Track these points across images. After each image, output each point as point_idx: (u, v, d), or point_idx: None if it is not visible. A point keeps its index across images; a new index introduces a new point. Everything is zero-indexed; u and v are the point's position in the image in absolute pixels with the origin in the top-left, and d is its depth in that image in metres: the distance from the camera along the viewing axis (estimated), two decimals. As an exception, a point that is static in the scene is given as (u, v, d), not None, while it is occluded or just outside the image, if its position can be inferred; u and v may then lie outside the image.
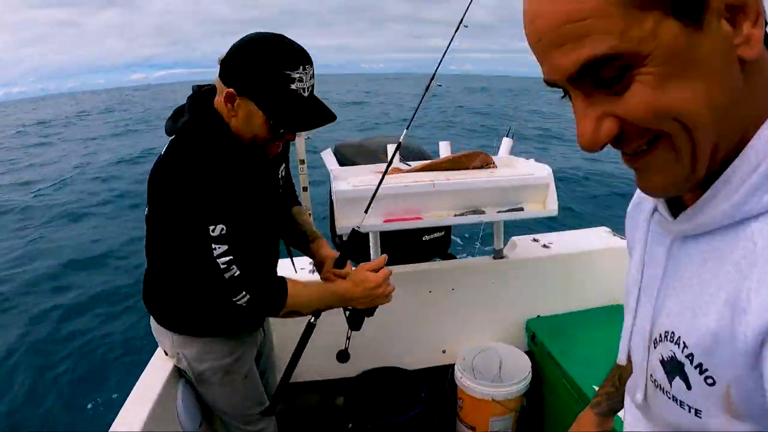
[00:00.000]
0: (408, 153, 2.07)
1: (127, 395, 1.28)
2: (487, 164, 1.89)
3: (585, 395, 1.59)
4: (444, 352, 2.10)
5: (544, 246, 2.15)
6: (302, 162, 2.21)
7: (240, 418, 1.40)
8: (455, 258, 2.29)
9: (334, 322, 1.36)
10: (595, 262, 2.12)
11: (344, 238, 1.60)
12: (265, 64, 1.05)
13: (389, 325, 1.91)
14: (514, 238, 2.22)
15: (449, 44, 1.52)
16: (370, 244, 1.89)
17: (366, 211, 1.44)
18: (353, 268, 1.33)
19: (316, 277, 1.44)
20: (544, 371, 1.93)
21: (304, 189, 2.21)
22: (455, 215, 1.75)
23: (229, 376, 1.33)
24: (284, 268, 1.50)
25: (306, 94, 1.10)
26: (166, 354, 1.36)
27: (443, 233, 2.22)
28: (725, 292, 0.43)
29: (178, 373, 1.37)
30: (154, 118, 23.55)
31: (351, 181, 1.70)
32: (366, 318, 1.36)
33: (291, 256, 1.56)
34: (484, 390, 1.84)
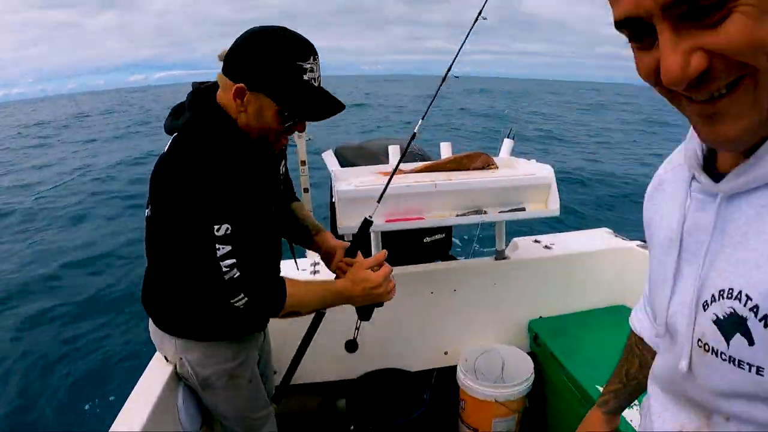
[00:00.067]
0: (409, 154, 2.06)
1: (125, 401, 1.24)
2: (488, 165, 1.89)
3: (588, 396, 1.58)
4: (446, 353, 2.09)
5: (546, 247, 2.15)
6: (303, 163, 2.21)
7: (242, 423, 1.38)
8: (456, 260, 2.28)
9: (335, 320, 1.35)
10: (596, 262, 2.12)
11: (345, 239, 1.59)
12: (277, 56, 1.04)
13: (391, 326, 1.90)
14: (515, 239, 2.22)
15: (467, 34, 1.50)
16: (372, 245, 1.88)
17: (378, 201, 1.42)
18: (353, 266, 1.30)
19: (317, 278, 1.43)
20: (547, 372, 1.93)
21: (305, 190, 2.21)
22: (457, 215, 1.75)
23: (233, 380, 1.30)
24: (285, 268, 1.49)
25: (316, 84, 1.10)
26: (167, 360, 1.32)
27: (444, 235, 2.22)
28: None
29: (177, 377, 1.33)
30: (154, 120, 23.55)
31: (352, 182, 1.70)
32: (376, 308, 1.34)
33: (293, 253, 1.54)
34: (487, 391, 1.83)
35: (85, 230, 7.34)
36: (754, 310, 0.47)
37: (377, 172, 1.87)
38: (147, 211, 1.17)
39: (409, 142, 1.53)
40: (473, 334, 2.08)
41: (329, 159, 2.07)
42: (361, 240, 1.38)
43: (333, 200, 1.77)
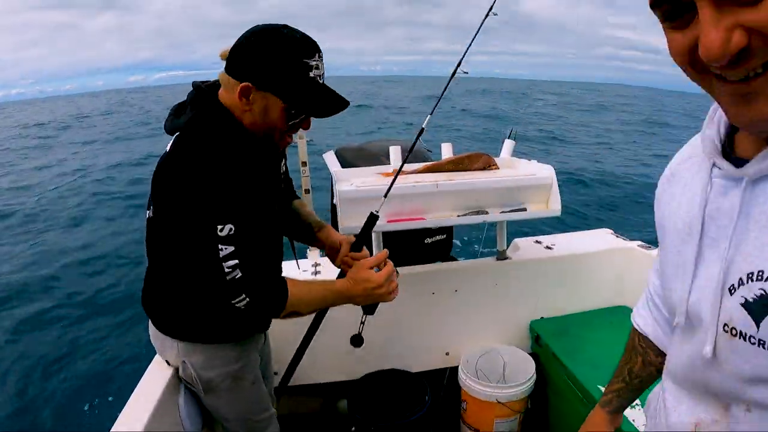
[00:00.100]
0: (412, 154, 2.06)
1: (124, 403, 1.23)
2: (489, 166, 1.88)
3: (591, 396, 1.58)
4: (447, 354, 2.09)
5: (547, 247, 2.15)
6: (304, 164, 2.21)
7: (244, 426, 1.36)
8: (457, 261, 2.28)
9: (336, 321, 1.34)
10: (598, 263, 2.12)
11: None
12: (284, 55, 1.04)
13: (392, 327, 1.90)
14: (516, 239, 2.22)
15: (479, 29, 1.49)
16: (373, 246, 1.88)
17: (385, 196, 1.42)
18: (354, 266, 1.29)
19: (318, 278, 1.43)
20: (549, 373, 1.93)
21: (306, 191, 2.21)
22: (458, 216, 1.74)
23: (237, 382, 1.29)
24: (286, 268, 1.48)
25: (321, 81, 1.10)
26: (168, 363, 1.31)
27: (445, 236, 2.22)
28: None
29: (177, 380, 1.32)
30: (154, 121, 23.54)
31: (353, 182, 1.70)
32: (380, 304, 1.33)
33: (294, 252, 1.53)
34: (489, 392, 1.83)
35: (86, 231, 7.34)
36: None
37: (378, 173, 1.87)
38: (148, 212, 1.16)
39: (418, 137, 1.52)
40: (474, 334, 2.08)
41: (330, 160, 2.07)
42: (366, 235, 1.37)
43: (334, 201, 1.77)
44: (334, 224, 1.71)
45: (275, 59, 1.04)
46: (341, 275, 1.35)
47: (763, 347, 0.50)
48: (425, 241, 2.15)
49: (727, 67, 0.42)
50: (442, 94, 1.52)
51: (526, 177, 1.79)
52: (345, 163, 2.07)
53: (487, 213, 1.75)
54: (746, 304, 0.51)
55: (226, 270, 1.02)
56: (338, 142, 2.62)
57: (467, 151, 1.92)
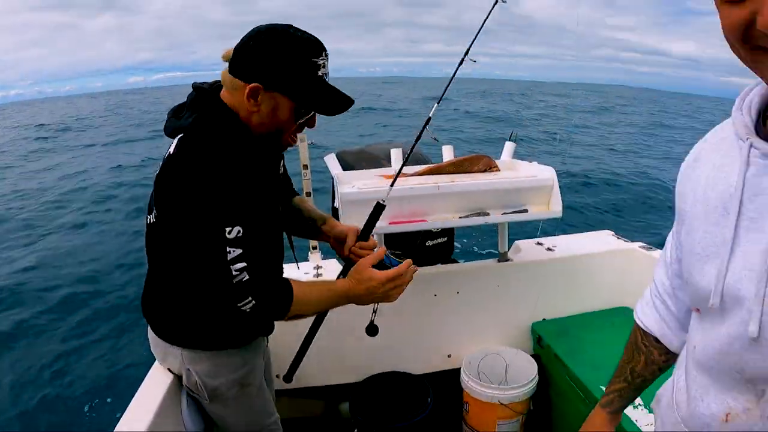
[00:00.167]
0: (410, 157, 2.06)
1: (125, 408, 1.21)
2: (490, 168, 1.89)
3: (593, 397, 1.58)
4: (449, 356, 2.09)
5: (548, 249, 2.15)
6: (305, 167, 2.20)
7: None
8: (458, 263, 2.28)
9: (336, 323, 1.34)
10: (599, 264, 2.12)
11: None
12: (293, 55, 1.03)
13: (394, 329, 1.90)
14: (518, 241, 2.22)
15: (486, 17, 1.49)
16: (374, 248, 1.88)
17: (392, 185, 1.41)
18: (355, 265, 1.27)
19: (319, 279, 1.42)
20: (551, 374, 1.93)
21: (308, 194, 2.21)
22: (460, 217, 1.75)
23: (243, 389, 1.26)
24: (287, 269, 1.47)
25: (327, 79, 1.10)
26: (171, 372, 1.28)
27: (446, 238, 2.22)
28: None
29: (178, 385, 1.29)
30: (154, 122, 23.50)
31: (355, 185, 1.70)
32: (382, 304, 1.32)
33: (293, 249, 1.52)
34: (491, 393, 1.83)
35: (86, 235, 7.33)
36: None
37: (379, 175, 1.88)
38: (149, 216, 1.14)
39: (424, 126, 1.51)
40: (476, 336, 2.08)
41: (331, 162, 2.07)
42: (373, 224, 1.36)
43: (335, 204, 1.77)
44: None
45: (285, 59, 1.03)
46: (343, 272, 1.33)
47: None
48: (427, 244, 2.15)
49: None
50: (452, 79, 1.51)
51: (527, 179, 1.79)
52: (346, 166, 2.07)
53: (488, 215, 1.75)
54: None
55: (234, 273, 1.01)
56: (339, 143, 2.62)
57: (468, 154, 1.92)
